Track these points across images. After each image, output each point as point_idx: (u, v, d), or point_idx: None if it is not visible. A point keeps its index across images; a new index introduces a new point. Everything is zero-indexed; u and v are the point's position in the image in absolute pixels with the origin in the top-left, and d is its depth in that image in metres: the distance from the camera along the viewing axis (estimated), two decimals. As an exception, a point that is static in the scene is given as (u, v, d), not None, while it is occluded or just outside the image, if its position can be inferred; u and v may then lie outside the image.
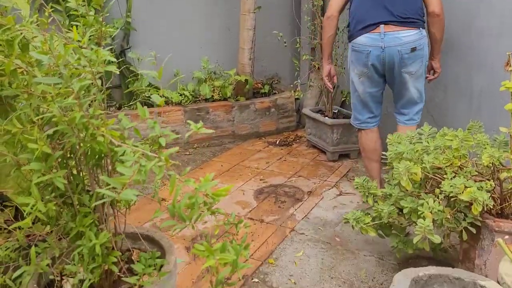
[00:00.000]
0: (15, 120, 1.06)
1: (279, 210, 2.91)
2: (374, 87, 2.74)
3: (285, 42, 4.30)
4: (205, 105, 4.14)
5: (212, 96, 4.20)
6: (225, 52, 4.52)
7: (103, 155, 1.26)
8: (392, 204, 2.04)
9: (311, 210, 2.91)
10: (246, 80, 4.26)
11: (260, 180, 3.37)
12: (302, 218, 2.80)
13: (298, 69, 4.63)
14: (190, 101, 4.19)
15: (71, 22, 1.17)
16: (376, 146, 2.84)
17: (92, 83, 1.06)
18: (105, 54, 1.05)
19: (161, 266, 1.38)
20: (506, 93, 2.57)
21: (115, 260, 1.26)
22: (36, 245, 1.25)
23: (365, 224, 2.10)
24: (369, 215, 2.17)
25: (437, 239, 1.74)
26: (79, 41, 1.05)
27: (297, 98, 4.66)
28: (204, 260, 1.19)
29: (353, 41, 2.68)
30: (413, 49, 2.56)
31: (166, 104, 4.09)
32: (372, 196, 2.19)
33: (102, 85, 1.13)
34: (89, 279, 1.21)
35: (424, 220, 1.76)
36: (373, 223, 2.13)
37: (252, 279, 2.21)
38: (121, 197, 0.93)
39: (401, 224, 2.15)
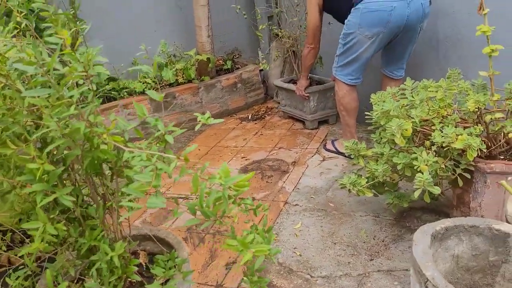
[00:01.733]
0: (8, 142, 0.96)
1: (268, 185, 2.89)
2: (381, 47, 2.73)
3: (244, 14, 4.20)
4: (171, 90, 4.01)
5: (176, 80, 4.08)
6: (181, 33, 4.37)
7: (102, 163, 1.18)
8: (385, 163, 2.06)
9: (299, 180, 2.92)
10: (208, 59, 4.14)
11: (242, 158, 3.33)
12: (293, 190, 2.80)
13: (263, 40, 4.56)
14: (154, 88, 4.05)
15: (43, 24, 1.06)
16: (357, 104, 2.94)
17: (88, 88, 0.97)
18: (93, 55, 0.96)
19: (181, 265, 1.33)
20: (472, 39, 2.63)
21: (135, 269, 1.20)
22: (46, 267, 1.17)
23: (361, 186, 2.11)
24: (362, 177, 2.19)
25: (437, 190, 1.78)
26: (72, 45, 0.95)
27: (262, 70, 4.60)
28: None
29: (367, 0, 2.53)
30: (430, 1, 2.59)
31: (130, 95, 3.93)
32: (362, 157, 2.21)
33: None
34: (113, 294, 1.15)
35: (422, 174, 1.79)
36: (368, 183, 2.15)
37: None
38: (148, 206, 0.87)
39: (393, 180, 2.18)
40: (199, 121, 1.09)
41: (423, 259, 1.21)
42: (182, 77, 4.10)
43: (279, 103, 4.43)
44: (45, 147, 1.12)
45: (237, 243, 1.00)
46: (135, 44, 3.98)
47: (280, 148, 3.43)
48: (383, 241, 2.22)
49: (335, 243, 2.25)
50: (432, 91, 1.96)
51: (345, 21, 2.69)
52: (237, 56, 4.78)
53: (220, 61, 4.57)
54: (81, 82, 1.00)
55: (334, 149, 3.22)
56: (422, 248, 1.25)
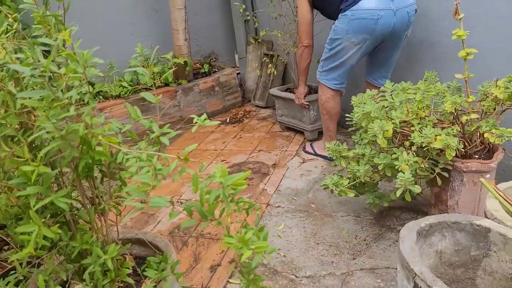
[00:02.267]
0: (3, 144, 0.94)
1: (249, 188, 2.91)
2: (366, 53, 2.76)
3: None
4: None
5: (154, 83, 4.05)
6: (157, 36, 4.34)
7: (94, 166, 1.17)
8: (366, 163, 2.11)
9: (280, 182, 2.95)
10: (185, 62, 4.13)
11: (222, 161, 3.34)
12: (274, 192, 2.83)
13: (249, 43, 4.55)
14: (130, 92, 4.01)
15: (35, 25, 1.05)
16: (340, 109, 2.99)
17: (84, 90, 0.96)
18: (89, 56, 0.95)
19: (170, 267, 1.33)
20: (444, 42, 2.73)
21: (128, 271, 1.19)
22: (38, 273, 1.14)
23: (343, 186, 2.16)
24: (343, 177, 2.23)
25: (417, 188, 1.84)
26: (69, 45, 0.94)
27: (239, 73, 4.63)
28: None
29: (355, 8, 2.53)
30: (416, 10, 2.63)
31: (106, 99, 3.88)
32: (344, 158, 2.25)
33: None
34: (107, 297, 1.14)
35: (404, 173, 1.84)
36: (349, 184, 2.20)
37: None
38: (151, 205, 0.87)
39: (373, 180, 2.24)
40: (195, 122, 1.09)
41: (411, 255, 1.25)
42: (160, 80, 4.07)
43: (257, 106, 4.46)
44: (34, 150, 1.10)
45: (236, 241, 1.01)
46: (111, 47, 3.95)
47: (259, 150, 3.45)
48: (364, 240, 2.27)
49: (318, 243, 2.28)
50: (411, 93, 2.02)
51: (332, 26, 2.71)
52: (214, 59, 4.78)
53: (197, 65, 4.56)
54: (75, 83, 0.99)
55: (312, 152, 3.27)
56: (409, 245, 1.29)
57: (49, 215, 1.12)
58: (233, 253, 2.26)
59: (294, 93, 3.51)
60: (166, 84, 4.14)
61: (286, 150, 3.41)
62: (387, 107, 2.07)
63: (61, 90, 0.96)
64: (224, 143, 3.67)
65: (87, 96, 1.01)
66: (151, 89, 4.07)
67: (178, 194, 2.93)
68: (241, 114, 4.30)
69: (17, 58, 0.93)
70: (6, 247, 1.74)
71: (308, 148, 3.32)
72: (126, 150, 0.94)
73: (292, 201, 2.70)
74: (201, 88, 4.27)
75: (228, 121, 4.18)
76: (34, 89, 0.95)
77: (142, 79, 4.03)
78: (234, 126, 4.04)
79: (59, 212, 1.18)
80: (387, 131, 1.92)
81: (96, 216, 1.29)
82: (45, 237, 1.07)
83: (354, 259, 2.13)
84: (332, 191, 2.19)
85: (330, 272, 2.06)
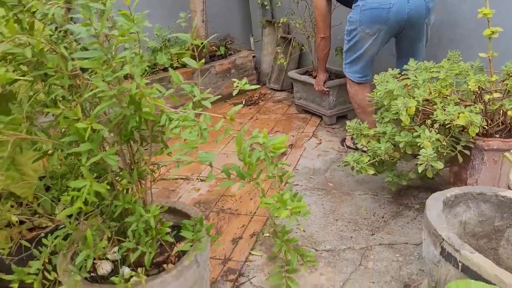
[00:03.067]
0: (59, 102, 0.99)
1: (259, 164, 2.95)
2: (384, 43, 2.68)
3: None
4: (166, 75, 4.01)
5: (171, 64, 4.08)
6: (176, 18, 4.36)
7: (134, 129, 1.22)
8: (387, 141, 2.14)
9: (298, 161, 2.99)
10: (202, 44, 4.16)
11: (239, 141, 3.38)
12: (292, 170, 2.87)
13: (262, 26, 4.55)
14: (148, 73, 4.05)
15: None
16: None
17: (134, 52, 1.00)
18: (142, 18, 0.99)
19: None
20: (465, 23, 2.73)
21: (168, 230, 1.25)
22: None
23: (364, 163, 2.20)
24: (364, 155, 2.27)
25: (440, 165, 1.87)
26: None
27: (254, 56, 4.65)
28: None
29: None
30: None
31: (125, 78, 3.92)
32: (364, 136, 2.29)
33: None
34: (150, 253, 1.19)
35: (426, 150, 1.88)
36: (369, 162, 2.24)
37: (263, 234, 2.27)
38: (199, 160, 0.92)
39: (393, 159, 2.27)
40: (237, 86, 1.14)
41: (438, 222, 1.29)
42: (177, 61, 4.11)
43: (272, 89, 4.49)
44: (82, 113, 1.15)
45: (274, 201, 1.06)
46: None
47: (276, 131, 3.49)
48: (382, 217, 2.32)
49: (336, 220, 2.33)
50: (434, 71, 2.04)
51: (348, 17, 2.68)
52: (229, 42, 4.80)
53: (213, 47, 4.59)
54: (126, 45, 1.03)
55: (353, 146, 3.09)
56: (436, 212, 1.33)
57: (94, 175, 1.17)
58: (254, 227, 2.32)
59: (313, 77, 3.50)
60: (183, 66, 4.18)
61: (302, 132, 3.45)
62: (409, 85, 2.10)
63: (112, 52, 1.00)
64: (241, 124, 3.71)
65: (137, 59, 1.05)
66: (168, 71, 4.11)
67: (197, 171, 2.98)
68: (256, 96, 4.33)
69: (70, 18, 0.97)
70: (37, 216, 1.81)
71: (349, 142, 3.15)
72: (174, 111, 0.98)
73: (310, 180, 2.75)
74: (217, 70, 4.30)
75: (244, 103, 4.21)
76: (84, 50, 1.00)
77: (160, 60, 4.06)
78: (250, 108, 4.08)
79: (100, 175, 1.23)
80: (410, 108, 1.95)
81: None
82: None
83: (372, 234, 2.18)
84: (352, 167, 2.23)
85: (349, 246, 2.12)
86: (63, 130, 1.23)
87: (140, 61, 1.05)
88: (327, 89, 3.37)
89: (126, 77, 1.12)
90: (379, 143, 2.17)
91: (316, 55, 3.31)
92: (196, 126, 0.99)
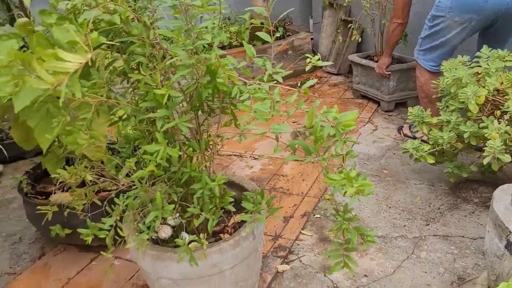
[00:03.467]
0: (141, 68, 1.04)
1: (321, 149, 2.94)
2: (471, 34, 2.51)
3: None
4: (224, 53, 4.05)
5: (230, 42, 4.12)
6: (236, -4, 4.38)
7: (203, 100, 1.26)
8: (450, 130, 2.07)
9: (352, 146, 2.96)
10: (262, 24, 4.16)
11: (293, 122, 3.39)
12: (345, 155, 2.84)
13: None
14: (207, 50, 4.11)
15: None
16: None
17: (213, 23, 1.04)
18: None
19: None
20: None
21: (231, 200, 1.29)
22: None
23: (424, 152, 2.14)
24: (424, 143, 2.21)
25: (507, 158, 1.80)
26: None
27: (312, 38, 4.60)
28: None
29: None
30: None
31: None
32: (426, 124, 2.23)
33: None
34: (212, 220, 1.24)
35: (494, 142, 1.80)
36: (429, 150, 2.18)
37: (314, 215, 2.29)
38: (272, 131, 0.94)
39: (454, 150, 2.20)
40: (309, 62, 1.14)
41: (505, 214, 1.25)
42: (236, 40, 4.14)
43: (329, 73, 4.43)
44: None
45: (341, 178, 1.07)
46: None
47: (331, 115, 3.45)
48: (438, 208, 2.26)
49: (390, 207, 2.30)
50: (508, 60, 1.94)
51: (436, 1, 2.50)
52: (288, 23, 4.77)
53: (272, 28, 4.57)
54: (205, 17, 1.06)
55: (411, 135, 2.97)
56: (504, 205, 1.29)
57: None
58: (305, 208, 2.33)
59: (375, 61, 3.42)
60: (241, 45, 4.20)
61: (358, 117, 3.40)
62: (480, 74, 2.01)
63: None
64: (295, 105, 3.69)
65: (217, 29, 1.08)
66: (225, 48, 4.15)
67: (251, 149, 3.03)
68: (312, 79, 4.29)
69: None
70: (102, 179, 1.91)
71: (406, 130, 3.06)
72: (248, 82, 1.00)
73: (364, 166, 2.72)
74: (275, 51, 4.28)
75: (299, 85, 4.19)
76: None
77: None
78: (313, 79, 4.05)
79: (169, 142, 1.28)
80: (479, 97, 1.88)
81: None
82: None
83: (427, 225, 2.14)
84: (411, 155, 2.18)
85: (402, 234, 2.09)
86: (137, 97, 1.29)
87: (219, 32, 1.08)
88: (389, 73, 3.28)
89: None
90: (442, 132, 2.10)
91: (386, 39, 3.23)
92: (268, 98, 1.01)
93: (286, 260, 1.97)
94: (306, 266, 1.92)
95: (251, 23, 4.45)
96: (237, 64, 1.17)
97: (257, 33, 1.23)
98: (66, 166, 1.47)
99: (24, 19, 1.49)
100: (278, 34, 4.62)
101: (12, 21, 2.07)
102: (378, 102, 3.54)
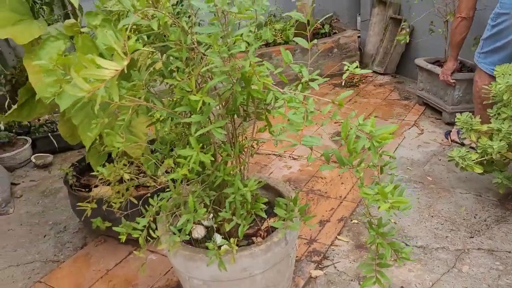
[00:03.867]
0: (177, 74, 1.05)
1: (362, 152, 2.87)
2: None
3: None
4: (268, 50, 4.05)
5: (274, 40, 4.10)
6: (282, -7, 4.35)
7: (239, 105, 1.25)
8: (501, 139, 1.96)
9: (395, 150, 2.87)
10: (308, 21, 4.10)
11: (335, 123, 3.33)
12: (389, 159, 2.76)
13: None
14: (251, 47, 4.11)
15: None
16: None
17: (250, 30, 1.03)
18: (259, -2, 1.01)
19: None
20: None
21: (263, 207, 1.28)
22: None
23: (471, 161, 2.04)
24: (472, 152, 2.11)
25: (563, 172, 1.67)
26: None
27: (359, 36, 4.49)
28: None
29: None
30: None
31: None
32: (475, 131, 2.12)
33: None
34: (243, 225, 1.24)
35: (548, 154, 1.69)
36: (477, 159, 2.07)
37: (351, 220, 2.24)
38: (303, 143, 0.92)
39: (505, 159, 2.08)
40: (347, 70, 1.11)
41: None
42: (280, 37, 4.11)
43: (375, 72, 4.32)
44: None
45: (374, 192, 1.03)
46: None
47: (375, 117, 3.36)
48: (485, 220, 2.15)
49: (432, 216, 2.21)
50: None
51: None
52: (335, 20, 4.68)
53: (318, 25, 4.50)
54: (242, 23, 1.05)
55: (459, 141, 2.87)
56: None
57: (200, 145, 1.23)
58: (342, 212, 2.29)
59: (442, 67, 3.12)
60: (286, 42, 4.17)
61: (403, 119, 3.29)
62: (536, 81, 1.88)
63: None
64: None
65: (253, 36, 1.07)
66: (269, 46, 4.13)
67: (290, 149, 3.00)
68: (357, 78, 4.20)
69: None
70: (141, 174, 1.96)
71: (454, 136, 2.90)
72: (282, 91, 0.99)
73: (407, 171, 2.63)
74: (320, 49, 4.23)
75: (343, 84, 4.12)
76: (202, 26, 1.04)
77: (264, 35, 4.09)
78: (348, 90, 3.97)
79: (204, 146, 1.29)
80: (534, 106, 1.76)
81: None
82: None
83: (471, 237, 2.04)
84: (457, 164, 2.09)
85: (443, 246, 2.00)
86: (175, 99, 1.30)
87: (254, 40, 1.07)
88: (453, 81, 2.98)
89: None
90: (492, 140, 1.99)
91: (450, 38, 2.88)
92: (302, 108, 0.98)
93: (320, 266, 1.94)
94: (340, 273, 1.88)
95: (297, 21, 4.41)
96: (273, 69, 1.15)
97: (295, 38, 1.20)
98: (106, 163, 1.52)
99: (72, 21, 1.54)
100: (323, 31, 4.54)
101: (66, 17, 2.15)
102: (440, 112, 3.26)
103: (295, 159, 2.91)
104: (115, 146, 1.12)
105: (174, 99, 1.26)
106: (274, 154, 2.98)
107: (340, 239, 2.10)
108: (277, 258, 1.45)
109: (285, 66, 1.17)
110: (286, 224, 1.33)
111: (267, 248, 1.40)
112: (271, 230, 1.54)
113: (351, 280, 1.84)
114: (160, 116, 1.30)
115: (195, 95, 1.03)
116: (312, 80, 1.16)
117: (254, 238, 1.53)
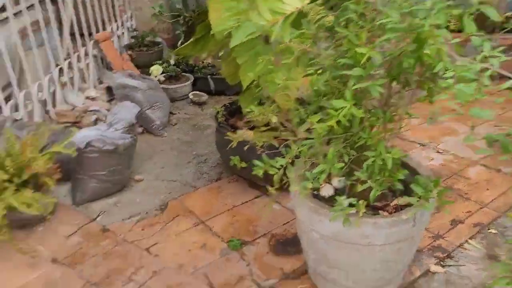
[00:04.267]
0: (349, 26, 1.07)
1: (520, 163, 2.56)
2: None
3: None
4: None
5: (447, 26, 3.78)
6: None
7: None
8: None
9: None
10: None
11: (495, 126, 3.00)
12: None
13: None
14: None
15: None
16: None
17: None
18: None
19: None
20: None
21: (402, 177, 1.25)
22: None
23: None
24: None
25: None
26: None
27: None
28: None
29: None
30: None
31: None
32: None
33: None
34: (376, 190, 1.23)
35: None
36: None
37: (489, 229, 2.04)
38: (470, 114, 0.87)
39: None
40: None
41: None
42: (455, 25, 3.78)
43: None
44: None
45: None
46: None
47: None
48: None
49: None
50: None
51: None
52: (524, 15, 4.12)
53: (503, 19, 4.03)
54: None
55: None
56: None
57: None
58: (480, 218, 2.10)
59: None
60: (459, 31, 3.82)
61: None
62: None
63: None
64: (503, 108, 3.25)
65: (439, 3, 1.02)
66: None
67: (436, 141, 2.82)
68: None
69: None
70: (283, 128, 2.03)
71: None
72: (460, 59, 0.93)
73: None
74: (501, 43, 3.79)
75: (516, 86, 3.65)
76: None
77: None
78: (521, 92, 3.51)
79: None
80: None
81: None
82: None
83: None
84: None
85: None
86: (336, 55, 1.32)
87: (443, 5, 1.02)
88: None
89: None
90: None
91: None
92: (475, 82, 0.92)
93: (442, 263, 1.83)
94: (463, 277, 1.75)
95: (478, 9, 4.01)
96: (451, 37, 1.08)
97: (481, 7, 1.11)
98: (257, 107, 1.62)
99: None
100: (506, 27, 4.06)
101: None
102: None
103: (439, 152, 2.72)
104: (275, 83, 1.19)
105: (337, 53, 1.28)
106: (418, 143, 2.82)
107: (471, 244, 1.94)
108: (401, 236, 1.41)
109: (464, 37, 1.09)
110: (420, 202, 1.27)
111: (393, 223, 1.37)
112: (400, 208, 1.49)
113: (474, 286, 1.70)
114: (319, 69, 1.33)
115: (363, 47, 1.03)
116: (494, 56, 1.06)
117: (381, 212, 1.51)
